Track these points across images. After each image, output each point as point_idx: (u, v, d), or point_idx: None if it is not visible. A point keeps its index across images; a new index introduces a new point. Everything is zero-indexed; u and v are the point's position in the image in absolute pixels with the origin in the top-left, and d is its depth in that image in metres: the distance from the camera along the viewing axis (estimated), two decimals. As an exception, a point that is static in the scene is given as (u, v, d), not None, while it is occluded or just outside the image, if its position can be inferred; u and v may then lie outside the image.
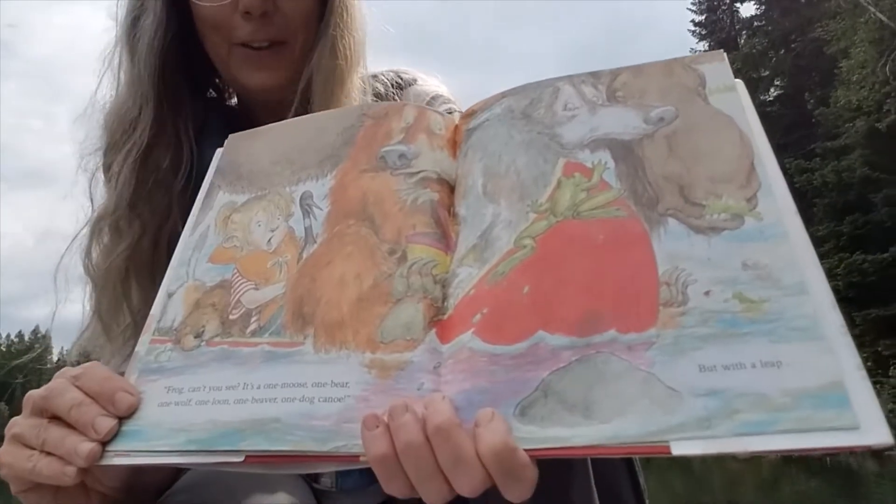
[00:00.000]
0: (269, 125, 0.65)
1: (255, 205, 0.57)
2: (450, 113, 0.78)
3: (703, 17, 27.36)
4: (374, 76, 0.84)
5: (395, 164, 0.53)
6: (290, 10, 0.74)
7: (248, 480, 0.62)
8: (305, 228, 0.53)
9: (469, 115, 0.55)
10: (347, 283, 0.47)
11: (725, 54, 0.50)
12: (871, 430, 0.33)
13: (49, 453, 0.45)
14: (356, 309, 0.46)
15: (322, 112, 0.77)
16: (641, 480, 0.60)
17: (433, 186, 0.51)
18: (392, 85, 0.84)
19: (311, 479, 0.75)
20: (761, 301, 0.38)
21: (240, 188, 0.59)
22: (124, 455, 0.45)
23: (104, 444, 0.45)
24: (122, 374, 0.50)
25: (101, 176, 0.80)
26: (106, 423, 0.45)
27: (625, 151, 0.46)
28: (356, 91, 0.78)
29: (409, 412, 0.38)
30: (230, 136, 0.65)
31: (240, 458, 0.42)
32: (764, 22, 24.69)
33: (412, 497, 0.39)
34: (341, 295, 0.47)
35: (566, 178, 0.46)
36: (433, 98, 0.84)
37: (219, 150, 0.64)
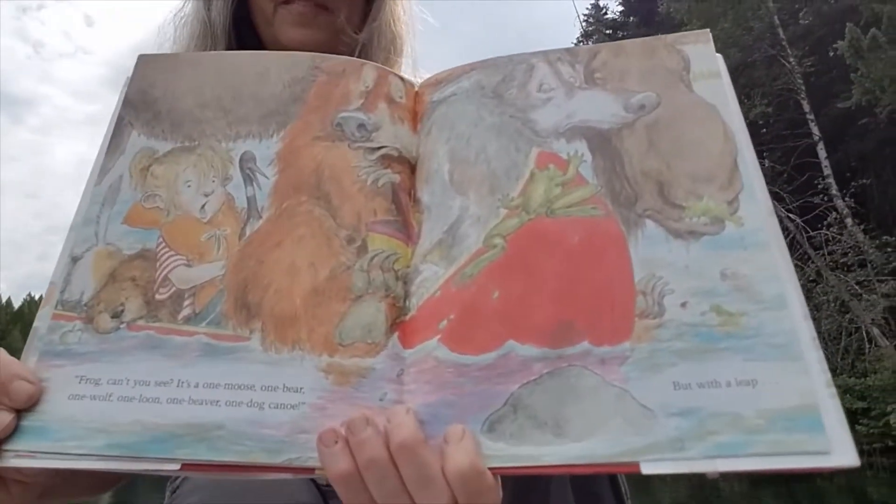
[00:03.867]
0: (193, 53, 0.57)
1: (181, 158, 0.49)
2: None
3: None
4: None
5: (354, 135, 0.47)
6: None
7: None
8: (248, 198, 0.47)
9: (433, 84, 0.50)
10: (300, 271, 0.43)
11: (710, 34, 0.46)
12: (840, 454, 0.33)
13: None
14: (311, 303, 0.42)
15: (261, 52, 0.70)
16: (622, 481, 0.61)
17: (394, 166, 0.47)
18: None
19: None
20: (739, 314, 0.37)
21: (159, 132, 0.50)
22: (28, 456, 0.38)
23: (0, 442, 0.39)
24: None
25: None
26: (0, 419, 0.38)
27: (602, 142, 0.43)
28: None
29: (370, 426, 0.36)
30: (140, 55, 0.55)
31: (175, 466, 0.38)
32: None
33: None
34: (293, 284, 0.43)
35: (539, 171, 0.43)
36: None
37: (126, 76, 0.54)
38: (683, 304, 0.38)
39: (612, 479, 0.61)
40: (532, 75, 0.47)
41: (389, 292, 0.42)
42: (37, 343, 0.43)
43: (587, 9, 25.69)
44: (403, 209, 0.45)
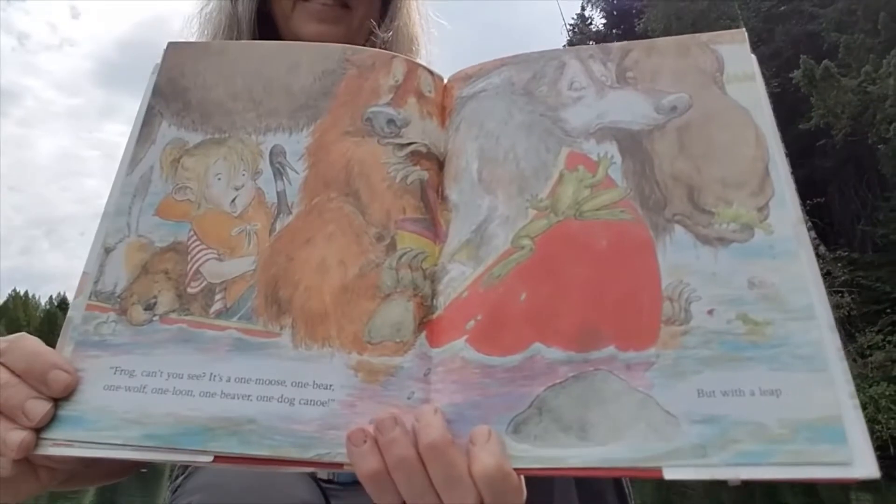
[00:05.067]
0: (223, 41, 0.57)
1: (212, 150, 0.49)
2: None
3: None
4: None
5: (383, 130, 0.47)
6: None
7: (260, 476, 0.60)
8: (278, 193, 0.47)
9: (462, 78, 0.50)
10: (329, 269, 0.44)
11: (746, 33, 0.46)
12: (861, 465, 0.33)
13: None
14: (341, 301, 0.42)
15: (292, 42, 0.70)
16: (625, 482, 0.62)
17: (423, 163, 0.47)
18: None
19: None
20: (765, 323, 0.37)
21: (189, 122, 0.50)
22: (65, 445, 0.39)
23: (38, 430, 0.39)
24: None
25: None
26: (39, 408, 0.39)
27: (633, 144, 0.43)
28: None
29: (398, 426, 0.37)
30: (169, 43, 0.54)
31: (208, 459, 0.39)
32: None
33: None
34: (323, 282, 0.43)
35: (569, 172, 0.43)
36: None
37: (155, 64, 0.53)
38: (710, 312, 0.38)
39: (617, 480, 0.62)
40: (563, 73, 0.47)
41: (418, 291, 0.42)
42: (72, 333, 0.44)
43: (573, 18, 25.72)
44: (432, 207, 0.46)
